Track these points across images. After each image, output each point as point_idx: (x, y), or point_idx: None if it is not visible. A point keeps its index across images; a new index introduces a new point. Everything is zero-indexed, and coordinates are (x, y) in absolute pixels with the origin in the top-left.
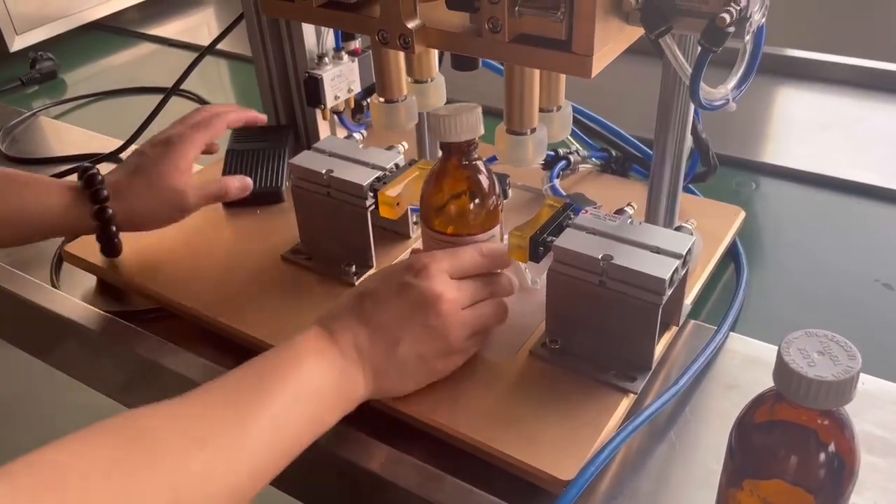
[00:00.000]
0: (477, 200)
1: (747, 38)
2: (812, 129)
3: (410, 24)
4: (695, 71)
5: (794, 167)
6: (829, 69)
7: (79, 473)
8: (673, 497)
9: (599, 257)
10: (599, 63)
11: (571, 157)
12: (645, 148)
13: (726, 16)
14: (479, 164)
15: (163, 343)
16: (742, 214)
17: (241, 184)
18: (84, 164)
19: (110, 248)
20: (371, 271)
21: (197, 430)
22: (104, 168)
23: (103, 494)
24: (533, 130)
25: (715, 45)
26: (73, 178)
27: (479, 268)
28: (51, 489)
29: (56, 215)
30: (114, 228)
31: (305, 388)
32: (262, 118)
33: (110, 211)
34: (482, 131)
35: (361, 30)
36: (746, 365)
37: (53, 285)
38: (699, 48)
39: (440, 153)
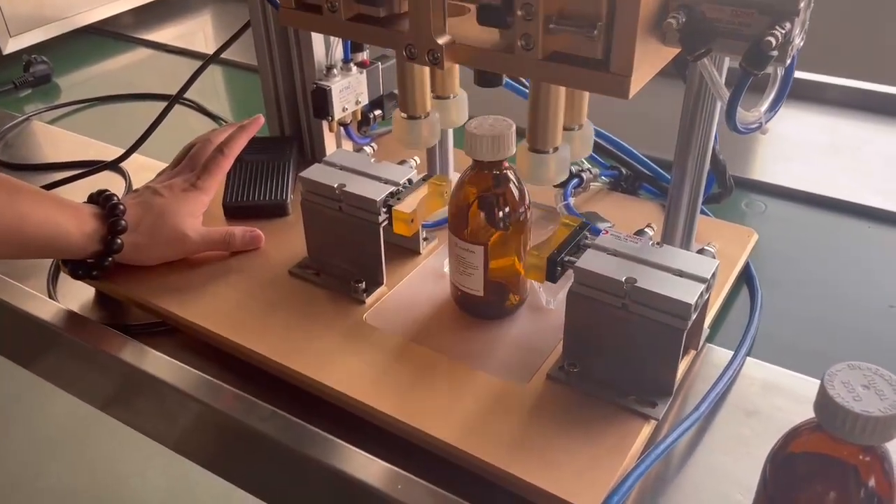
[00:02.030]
0: (507, 209)
1: (788, 61)
2: (819, 150)
3: (440, 40)
4: (734, 94)
5: (803, 189)
6: (835, 91)
7: None
8: None
9: (623, 280)
10: (637, 84)
11: (584, 175)
12: (655, 167)
13: (772, 39)
14: (510, 173)
15: (162, 358)
16: (755, 237)
17: (248, 237)
18: (105, 191)
19: (96, 274)
20: (381, 288)
21: None
22: (103, 179)
23: None
24: (556, 149)
25: (757, 69)
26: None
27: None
28: None
29: (70, 239)
30: (110, 259)
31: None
32: (260, 122)
33: (120, 242)
34: (515, 148)
35: (389, 44)
36: (765, 391)
37: (51, 296)
38: (740, 70)
39: (469, 164)
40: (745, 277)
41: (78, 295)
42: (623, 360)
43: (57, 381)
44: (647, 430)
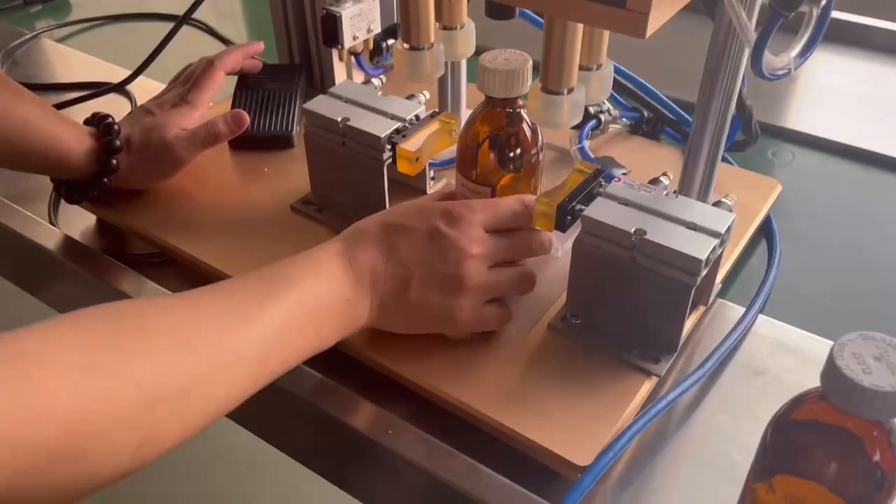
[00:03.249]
0: (518, 150)
1: (823, 1)
2: (858, 99)
3: None
4: (761, 37)
5: (835, 139)
6: (881, 36)
7: (51, 361)
8: (691, 487)
9: (632, 231)
10: (655, 22)
11: (602, 117)
12: (680, 110)
13: None
14: (523, 112)
15: (160, 290)
16: (778, 188)
17: (231, 122)
18: (100, 113)
19: (96, 195)
20: None
21: (191, 331)
22: (108, 102)
23: (74, 388)
24: (570, 90)
25: (788, 10)
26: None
27: (518, 219)
28: (16, 371)
29: (70, 154)
30: (105, 180)
31: (310, 305)
32: (259, 46)
33: (115, 163)
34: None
35: None
36: (775, 350)
37: (51, 222)
38: (770, 10)
39: (481, 101)
40: (765, 231)
41: (79, 222)
42: (628, 313)
43: (58, 307)
44: (647, 386)
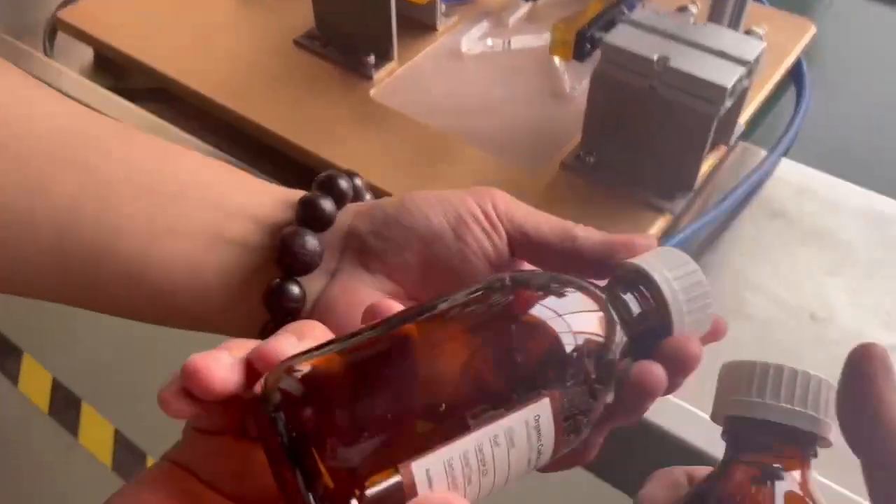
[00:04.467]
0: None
1: None
2: None
3: None
4: None
5: None
6: None
7: None
8: None
9: (654, 58)
10: None
11: None
12: None
13: None
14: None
15: (162, 124)
16: (812, 30)
17: None
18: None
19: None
20: (391, 64)
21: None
22: None
23: None
24: None
25: None
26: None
27: None
28: None
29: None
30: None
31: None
32: None
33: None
34: None
35: None
36: (797, 194)
37: (46, 54)
38: None
39: None
40: (795, 75)
41: (76, 56)
42: (644, 149)
43: None
44: (661, 223)
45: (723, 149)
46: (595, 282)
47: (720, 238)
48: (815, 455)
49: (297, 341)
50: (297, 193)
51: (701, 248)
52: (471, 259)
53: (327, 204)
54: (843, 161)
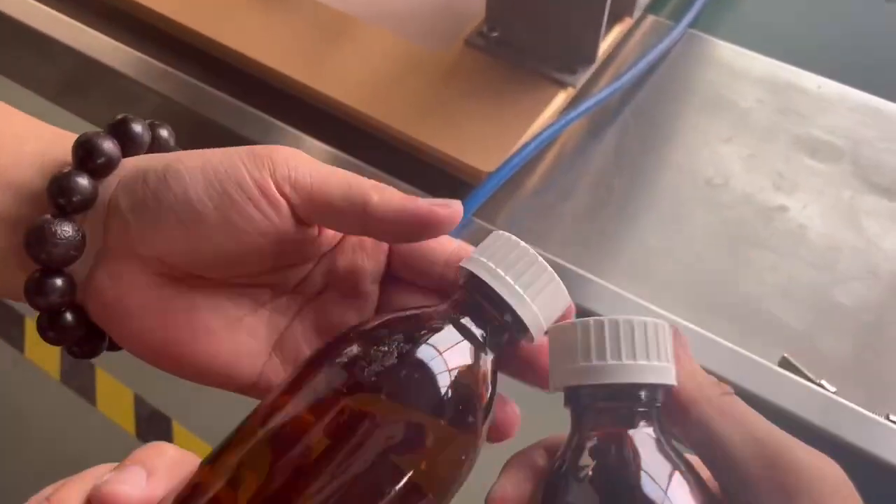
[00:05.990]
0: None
1: None
2: None
3: None
4: None
5: None
6: None
7: None
8: (607, 196)
9: None
10: None
11: None
12: None
13: None
14: None
15: (117, 46)
16: None
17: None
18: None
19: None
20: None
21: None
22: None
23: None
24: None
25: None
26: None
27: None
28: None
29: None
30: None
31: None
32: None
33: None
34: None
35: None
36: (702, 65)
37: None
38: None
39: None
40: None
41: None
42: (545, 23)
43: (11, 75)
44: (562, 97)
45: (628, 21)
46: (437, 312)
47: (622, 112)
48: (660, 403)
49: (145, 478)
50: (72, 137)
51: (607, 124)
52: (242, 239)
53: (108, 144)
54: (749, 31)
